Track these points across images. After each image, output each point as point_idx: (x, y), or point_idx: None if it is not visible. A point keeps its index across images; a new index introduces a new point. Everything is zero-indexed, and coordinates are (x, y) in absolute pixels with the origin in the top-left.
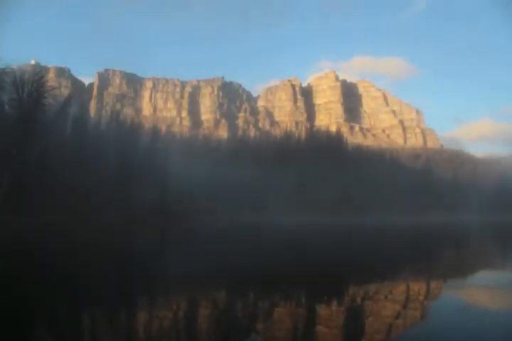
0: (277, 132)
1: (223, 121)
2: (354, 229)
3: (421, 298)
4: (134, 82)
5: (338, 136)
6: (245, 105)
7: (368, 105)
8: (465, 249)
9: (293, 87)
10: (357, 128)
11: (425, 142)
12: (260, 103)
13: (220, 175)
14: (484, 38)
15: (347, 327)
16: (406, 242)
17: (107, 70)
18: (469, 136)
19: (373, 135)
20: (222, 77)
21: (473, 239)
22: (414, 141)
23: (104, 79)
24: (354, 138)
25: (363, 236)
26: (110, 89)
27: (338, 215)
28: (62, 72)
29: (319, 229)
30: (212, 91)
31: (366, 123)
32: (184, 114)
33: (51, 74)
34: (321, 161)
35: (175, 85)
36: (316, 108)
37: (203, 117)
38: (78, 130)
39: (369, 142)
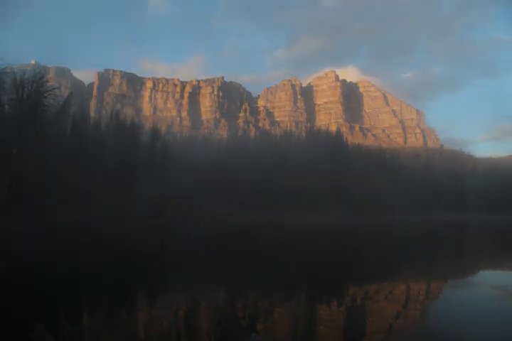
0: (277, 132)
1: (223, 121)
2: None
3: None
4: (134, 82)
5: (338, 136)
6: (245, 105)
7: (368, 105)
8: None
9: (293, 87)
10: (357, 128)
11: (425, 142)
12: (260, 103)
13: (220, 174)
14: None
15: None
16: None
17: (107, 70)
18: None
19: (373, 135)
20: (222, 77)
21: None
22: (414, 141)
23: (104, 79)
24: (354, 138)
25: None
26: (110, 89)
27: (338, 215)
28: (62, 72)
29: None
30: (212, 91)
31: (366, 123)
32: (184, 114)
33: (51, 74)
34: (321, 161)
35: (175, 85)
36: (316, 108)
37: (203, 117)
38: (78, 130)
39: (369, 142)
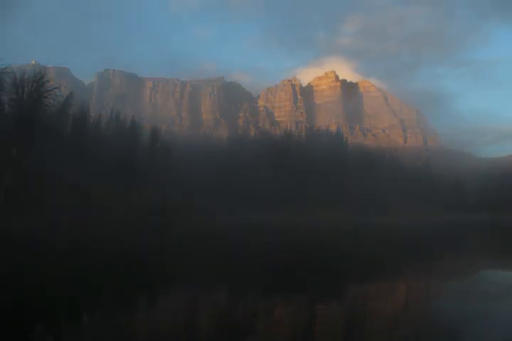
0: (277, 132)
1: (223, 121)
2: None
3: None
4: (134, 82)
5: (338, 136)
6: (245, 105)
7: (368, 105)
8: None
9: (293, 87)
10: (357, 128)
11: (425, 142)
12: (260, 103)
13: (220, 174)
14: None
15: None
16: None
17: (106, 70)
18: None
19: (373, 135)
20: (222, 77)
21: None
22: (414, 141)
23: (104, 79)
24: (354, 138)
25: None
26: (110, 89)
27: (337, 215)
28: (62, 72)
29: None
30: (212, 91)
31: (366, 123)
32: (184, 113)
33: (51, 74)
34: (321, 161)
35: (175, 85)
36: (316, 108)
37: (203, 117)
38: (78, 130)
39: (369, 142)
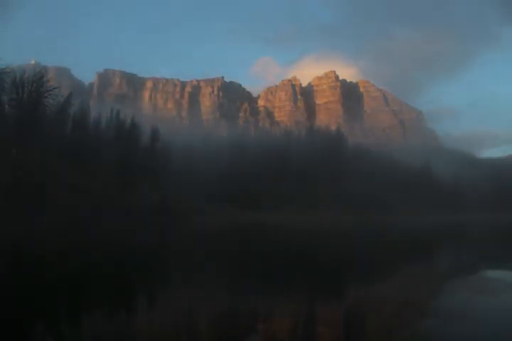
0: (277, 132)
1: (223, 121)
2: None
3: None
4: (134, 82)
5: (338, 135)
6: (245, 105)
7: (368, 105)
8: None
9: (293, 86)
10: (357, 128)
11: (425, 142)
12: (260, 103)
13: (220, 174)
14: None
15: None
16: None
17: (106, 70)
18: None
19: (373, 135)
20: (222, 77)
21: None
22: (414, 141)
23: (104, 79)
24: (354, 138)
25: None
26: (110, 89)
27: (338, 215)
28: (62, 72)
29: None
30: (212, 91)
31: (366, 123)
32: (184, 114)
33: (51, 74)
34: (321, 161)
35: (175, 85)
36: (316, 108)
37: (203, 117)
38: (78, 130)
39: (369, 142)
